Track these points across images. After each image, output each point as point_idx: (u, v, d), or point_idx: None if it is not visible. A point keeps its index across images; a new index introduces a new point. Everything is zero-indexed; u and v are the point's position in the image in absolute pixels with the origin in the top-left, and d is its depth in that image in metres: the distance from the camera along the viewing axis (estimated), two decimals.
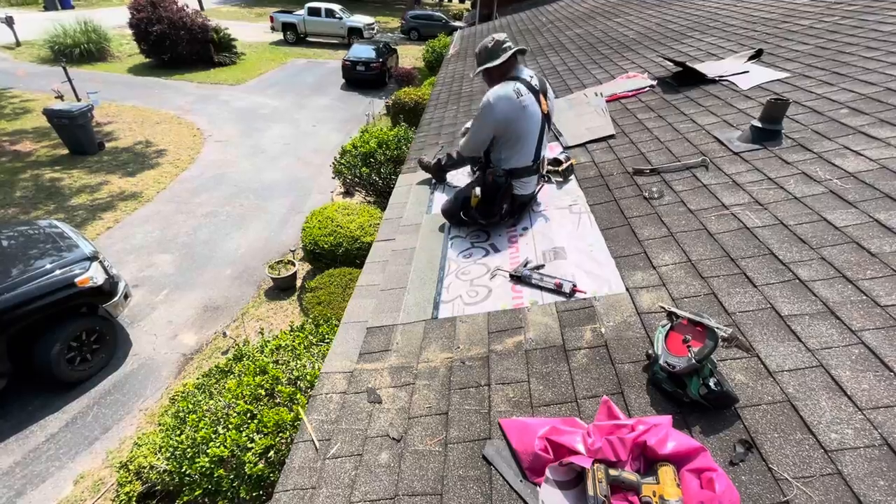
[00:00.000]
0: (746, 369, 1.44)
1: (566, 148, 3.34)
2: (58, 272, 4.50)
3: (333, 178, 7.29)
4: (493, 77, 2.47)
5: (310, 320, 4.41)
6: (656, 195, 2.45)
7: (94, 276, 4.75)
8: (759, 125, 2.62)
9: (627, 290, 1.90)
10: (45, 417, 4.57)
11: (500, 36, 2.46)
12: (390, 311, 2.18)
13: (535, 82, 2.42)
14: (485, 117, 2.39)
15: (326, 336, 3.83)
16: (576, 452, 1.24)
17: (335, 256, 5.92)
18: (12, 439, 4.34)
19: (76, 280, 4.60)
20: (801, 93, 3.08)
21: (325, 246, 5.86)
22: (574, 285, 1.96)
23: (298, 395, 3.12)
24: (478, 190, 2.44)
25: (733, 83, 3.51)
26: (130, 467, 3.75)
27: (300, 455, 1.58)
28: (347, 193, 8.32)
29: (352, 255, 5.89)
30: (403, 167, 3.95)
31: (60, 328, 4.57)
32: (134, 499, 3.68)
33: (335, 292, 5.44)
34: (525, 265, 2.19)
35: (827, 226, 1.93)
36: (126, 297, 5.25)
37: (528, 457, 1.33)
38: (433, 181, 3.35)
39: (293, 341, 3.80)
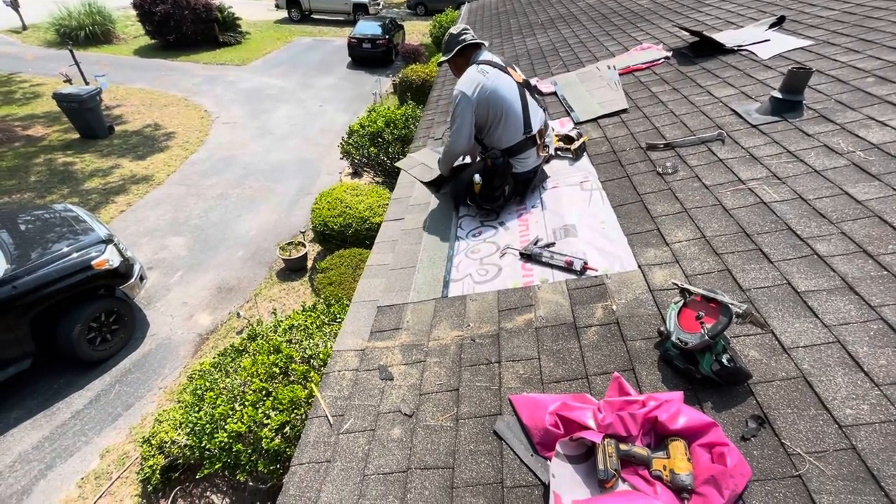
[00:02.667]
0: (760, 345, 1.43)
1: (577, 123, 3.27)
2: (75, 255, 4.59)
3: (341, 158, 7.25)
4: (459, 66, 2.58)
5: (321, 300, 4.46)
6: (670, 170, 2.39)
7: (110, 258, 4.84)
8: (780, 96, 2.52)
9: (640, 267, 1.88)
10: (71, 395, 4.73)
11: (457, 28, 2.58)
12: (400, 289, 2.19)
13: (498, 61, 2.50)
14: (461, 108, 2.43)
15: (338, 316, 3.87)
16: (586, 428, 1.25)
17: (345, 237, 5.95)
18: (40, 415, 4.51)
19: (93, 263, 4.69)
20: (825, 61, 2.95)
21: (335, 227, 5.88)
22: (585, 263, 1.94)
23: (312, 374, 3.18)
24: (477, 177, 2.41)
25: (753, 53, 3.38)
26: (153, 442, 3.88)
27: (314, 430, 1.61)
28: (356, 174, 8.29)
29: (361, 236, 5.90)
30: (412, 147, 3.90)
31: (80, 310, 4.68)
32: (157, 471, 3.83)
33: (345, 273, 5.48)
34: (535, 243, 2.17)
35: (848, 200, 1.87)
36: (142, 279, 5.35)
37: (538, 432, 1.34)
38: None
39: (306, 321, 3.85)
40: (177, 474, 3.99)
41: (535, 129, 2.47)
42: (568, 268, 1.97)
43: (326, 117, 11.12)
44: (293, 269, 6.45)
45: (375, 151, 6.73)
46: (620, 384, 1.38)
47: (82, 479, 4.07)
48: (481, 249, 2.31)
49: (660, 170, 2.43)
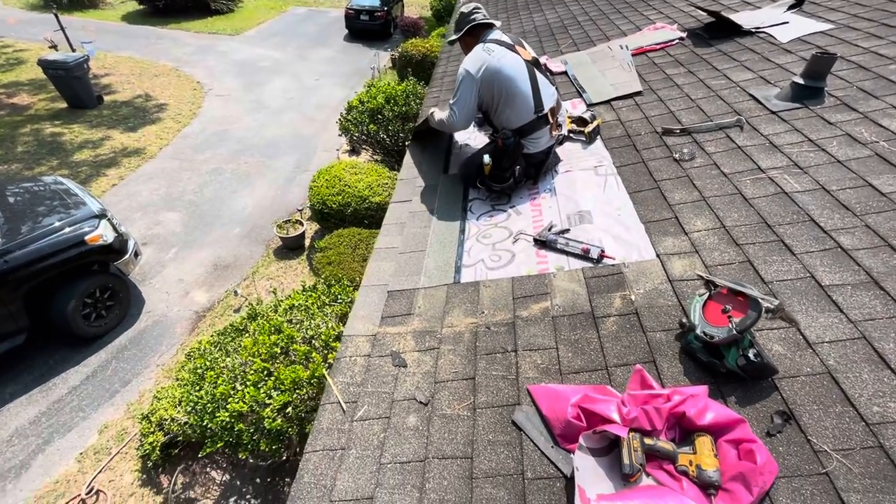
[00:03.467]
0: (784, 340, 1.41)
1: (590, 105, 3.18)
2: (67, 230, 4.48)
3: (340, 135, 7.09)
4: (468, 45, 2.52)
5: (321, 281, 4.41)
6: (687, 157, 2.34)
7: (103, 233, 4.74)
8: (801, 82, 2.46)
9: (658, 256, 1.84)
10: (67, 371, 4.70)
11: (468, 7, 2.53)
12: (411, 274, 2.14)
13: (506, 39, 2.45)
14: (464, 86, 2.40)
15: (339, 296, 3.83)
16: (610, 421, 1.23)
17: (343, 216, 5.86)
18: (36, 391, 4.48)
19: (86, 238, 4.59)
20: (846, 46, 2.88)
21: (333, 206, 5.79)
22: (602, 251, 1.91)
23: (314, 354, 3.16)
24: (487, 158, 2.36)
25: (771, 35, 3.28)
26: (152, 419, 3.87)
27: (327, 417, 1.59)
28: (353, 151, 8.13)
29: (360, 215, 5.82)
30: (416, 122, 3.79)
31: (74, 285, 4.60)
32: (157, 448, 3.82)
33: (345, 252, 5.42)
34: (549, 229, 2.13)
35: (872, 191, 1.84)
36: (136, 255, 5.26)
37: (559, 424, 1.32)
38: (451, 140, 3.23)
39: (306, 301, 3.81)
40: (176, 451, 4.00)
41: (547, 107, 2.40)
42: (584, 255, 1.93)
43: (323, 92, 10.84)
44: (290, 248, 6.37)
45: (375, 128, 6.58)
46: (642, 377, 1.36)
47: (81, 454, 4.07)
48: (493, 234, 2.26)
49: (676, 156, 2.38)
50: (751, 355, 1.26)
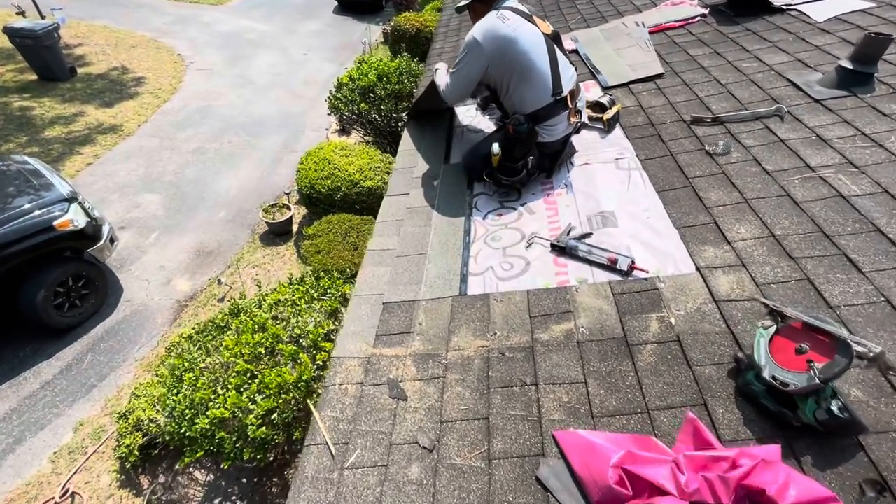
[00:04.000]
0: (863, 382, 1.17)
1: (606, 89, 2.88)
2: (36, 213, 4.15)
3: (329, 114, 6.70)
4: (478, 13, 2.22)
5: (309, 273, 4.15)
6: (722, 150, 2.07)
7: (73, 218, 4.40)
8: (849, 66, 2.18)
9: (698, 269, 1.59)
10: (38, 364, 4.43)
11: None
12: (409, 282, 1.87)
13: (523, 8, 2.18)
14: (470, 56, 2.10)
15: (329, 290, 3.58)
16: (664, 492, 1.00)
17: (333, 201, 5.55)
18: (6, 385, 4.21)
19: (55, 223, 4.25)
20: (891, 26, 2.60)
21: (323, 190, 5.47)
22: (632, 262, 1.65)
23: (301, 355, 2.94)
24: (496, 147, 2.06)
25: (804, 13, 2.99)
26: (130, 418, 3.65)
27: (313, 462, 1.33)
28: (343, 131, 7.74)
29: (351, 200, 5.52)
30: (412, 103, 3.47)
31: (44, 273, 4.30)
32: (135, 450, 3.60)
33: (335, 240, 5.13)
34: (568, 233, 1.86)
35: None
36: (112, 241, 4.92)
37: (598, 489, 1.08)
38: (452, 124, 2.91)
39: (293, 295, 3.56)
40: (156, 451, 3.78)
41: (566, 90, 2.10)
42: (611, 266, 1.67)
43: (311, 67, 10.32)
44: (277, 233, 6.06)
45: (366, 107, 6.21)
46: (696, 428, 1.12)
47: (55, 453, 3.83)
48: (503, 237, 1.99)
49: (709, 149, 2.11)
50: (835, 408, 1.02)
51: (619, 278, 1.65)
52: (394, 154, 6.55)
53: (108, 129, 7.49)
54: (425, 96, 2.75)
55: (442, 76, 2.38)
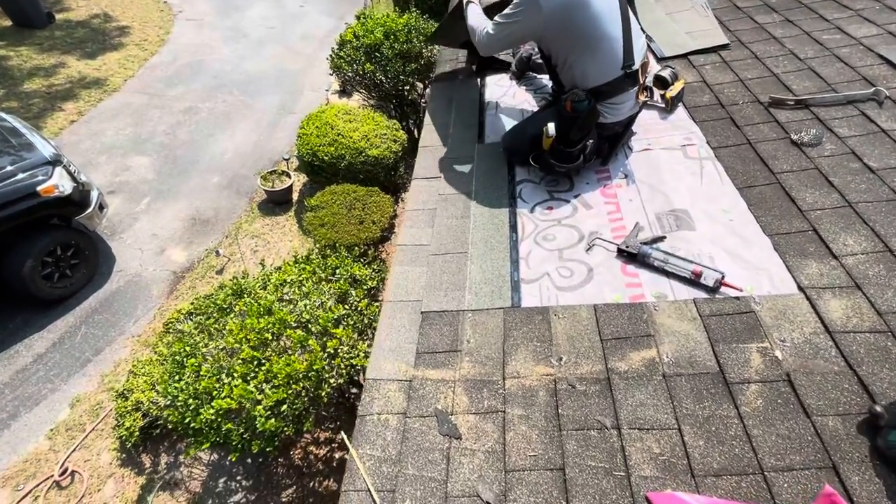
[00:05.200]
0: None
1: (661, 60, 2.54)
2: (20, 175, 3.82)
3: (331, 74, 6.23)
4: None
5: (315, 251, 3.90)
6: (812, 140, 1.79)
7: (59, 183, 4.07)
8: None
9: (802, 289, 1.35)
10: (30, 336, 4.25)
11: None
12: (450, 287, 1.62)
13: None
14: (526, 14, 1.73)
15: (337, 270, 3.36)
16: None
17: (336, 170, 5.21)
18: None
19: (38, 189, 3.93)
20: None
21: (325, 158, 5.11)
22: (722, 277, 1.40)
23: (310, 341, 2.76)
24: (551, 128, 1.73)
25: None
26: (130, 398, 3.50)
27: None
28: (344, 92, 7.26)
29: (355, 170, 5.18)
30: (436, 73, 3.10)
31: (30, 243, 4.04)
32: (136, 433, 3.46)
33: (339, 213, 4.84)
34: (636, 235, 1.60)
35: None
36: (101, 207, 4.61)
37: None
38: (482, 95, 2.58)
39: (299, 276, 3.33)
40: (158, 431, 3.65)
41: (638, 62, 1.78)
42: (695, 280, 1.43)
43: (308, 20, 9.62)
44: (277, 202, 5.74)
45: (372, 68, 5.74)
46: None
47: (52, 430, 3.70)
48: (557, 236, 1.72)
49: (795, 137, 1.83)
50: None
51: (704, 295, 1.40)
52: (400, 119, 6.16)
53: (92, 83, 6.96)
54: (448, 27, 2.39)
55: (478, 17, 2.01)
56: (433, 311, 1.56)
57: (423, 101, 5.72)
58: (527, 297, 1.53)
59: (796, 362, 1.20)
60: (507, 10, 1.80)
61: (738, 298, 1.37)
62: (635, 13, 1.81)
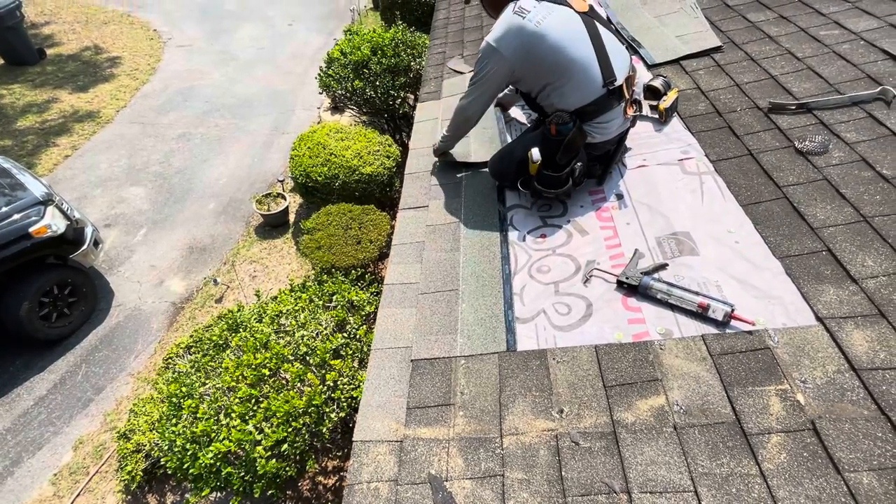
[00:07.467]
0: None
1: (651, 67, 2.43)
2: (15, 216, 3.82)
3: (320, 92, 6.20)
4: (494, 4, 1.90)
5: (312, 279, 3.83)
6: (817, 148, 1.68)
7: (51, 223, 4.05)
8: None
9: (821, 320, 1.24)
10: (31, 378, 4.22)
11: None
12: (441, 330, 1.52)
13: None
14: (491, 64, 1.74)
15: (334, 296, 3.30)
16: None
17: (331, 190, 5.16)
18: None
19: (31, 230, 3.91)
20: None
21: (319, 178, 5.06)
22: (732, 310, 1.29)
23: (309, 375, 2.69)
24: (535, 153, 1.69)
25: None
26: (131, 439, 3.46)
27: None
28: (336, 109, 7.22)
29: (350, 189, 5.12)
30: (422, 92, 3.02)
31: (26, 284, 4.01)
32: (138, 476, 3.40)
33: (336, 234, 4.78)
34: (636, 263, 1.50)
35: None
36: (97, 243, 4.58)
37: None
38: None
39: (295, 305, 3.27)
40: (161, 471, 3.59)
41: (620, 77, 1.69)
42: (702, 314, 1.32)
43: (298, 39, 9.63)
44: (273, 225, 5.70)
45: (361, 85, 5.70)
46: None
47: (55, 475, 3.66)
48: (552, 267, 1.62)
49: (799, 145, 1.72)
50: None
51: (714, 330, 1.29)
52: (393, 133, 6.09)
53: (85, 116, 6.99)
54: (444, 164, 2.27)
55: (448, 120, 2.06)
56: (424, 359, 1.46)
57: (414, 112, 5.67)
58: (522, 340, 1.42)
59: (821, 407, 1.08)
60: (473, 73, 1.82)
61: (750, 333, 1.26)
62: (608, 27, 1.73)
